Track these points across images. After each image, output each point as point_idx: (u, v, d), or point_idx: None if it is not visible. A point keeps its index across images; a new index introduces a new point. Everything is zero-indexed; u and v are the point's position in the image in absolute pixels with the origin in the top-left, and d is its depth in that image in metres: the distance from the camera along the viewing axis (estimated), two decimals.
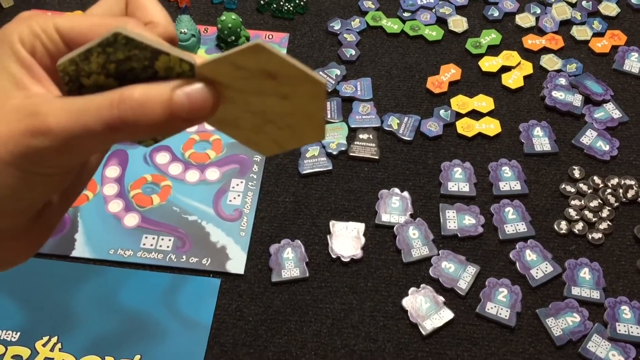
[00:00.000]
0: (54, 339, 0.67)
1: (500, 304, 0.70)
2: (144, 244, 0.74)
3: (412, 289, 0.71)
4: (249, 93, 0.28)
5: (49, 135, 0.26)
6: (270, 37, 0.92)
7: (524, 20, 0.94)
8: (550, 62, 0.89)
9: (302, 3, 0.94)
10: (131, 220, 0.75)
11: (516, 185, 0.78)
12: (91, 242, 0.74)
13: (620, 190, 0.77)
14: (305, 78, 0.27)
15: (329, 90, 0.86)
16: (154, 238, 0.74)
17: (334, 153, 0.80)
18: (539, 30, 0.93)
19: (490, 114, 0.84)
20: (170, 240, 0.74)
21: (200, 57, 0.28)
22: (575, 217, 0.76)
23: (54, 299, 0.70)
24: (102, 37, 0.27)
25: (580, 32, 0.93)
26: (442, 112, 0.84)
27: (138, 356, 0.67)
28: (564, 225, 0.75)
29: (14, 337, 0.67)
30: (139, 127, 0.26)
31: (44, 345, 0.67)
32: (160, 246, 0.74)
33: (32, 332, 0.68)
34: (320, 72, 0.88)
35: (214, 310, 0.69)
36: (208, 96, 0.27)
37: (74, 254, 0.73)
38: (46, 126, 0.26)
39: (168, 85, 0.27)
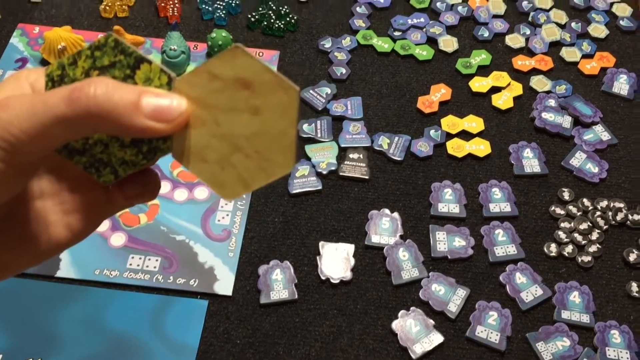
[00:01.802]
0: None
1: (490, 327, 0.69)
2: (131, 264, 0.73)
3: (401, 312, 0.70)
4: (221, 110, 0.29)
5: (8, 107, 0.27)
6: (261, 54, 0.92)
7: (514, 40, 0.94)
8: (539, 83, 0.90)
9: (292, 21, 0.94)
10: (118, 239, 0.74)
11: (506, 207, 0.78)
12: (76, 262, 0.72)
13: (610, 213, 0.78)
14: (279, 84, 0.27)
15: (319, 110, 0.86)
16: (140, 258, 0.73)
17: (324, 172, 0.80)
18: (528, 51, 0.94)
19: (480, 134, 0.85)
20: (157, 260, 0.73)
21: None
22: (565, 239, 0.76)
23: (37, 320, 0.69)
24: (96, 41, 0.28)
25: (569, 54, 0.93)
26: (432, 132, 0.84)
27: None
28: (553, 247, 0.75)
29: None
30: (104, 117, 0.27)
31: None
32: (147, 266, 0.72)
33: (15, 354, 0.66)
34: (311, 91, 0.88)
35: (201, 333, 0.68)
36: (179, 103, 0.28)
37: (59, 274, 0.72)
38: (6, 103, 0.27)
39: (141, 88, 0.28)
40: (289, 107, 0.28)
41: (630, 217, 0.77)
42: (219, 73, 0.28)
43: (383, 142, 0.83)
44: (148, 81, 0.28)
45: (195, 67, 0.28)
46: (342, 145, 0.82)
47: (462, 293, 0.71)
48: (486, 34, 0.95)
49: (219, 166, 0.30)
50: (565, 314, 0.70)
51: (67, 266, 0.72)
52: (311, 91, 0.88)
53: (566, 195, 0.79)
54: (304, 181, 0.79)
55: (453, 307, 0.70)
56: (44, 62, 0.88)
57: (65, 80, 0.29)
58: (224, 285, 0.71)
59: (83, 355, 0.67)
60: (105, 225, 0.75)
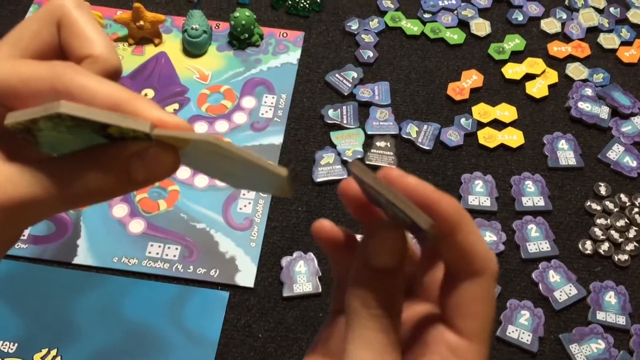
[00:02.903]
0: (54, 352, 0.64)
1: (522, 327, 0.66)
2: (150, 252, 0.70)
3: None
4: (211, 161, 0.27)
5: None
6: (285, 35, 0.88)
7: (550, 25, 0.90)
8: (576, 71, 0.86)
9: (318, 0, 0.90)
10: (136, 226, 0.72)
11: (540, 201, 0.75)
12: (94, 249, 0.70)
13: None
14: (267, 171, 0.25)
15: (345, 95, 0.82)
16: (160, 246, 0.71)
17: (350, 161, 0.77)
18: (564, 37, 0.90)
19: (513, 124, 0.81)
20: (177, 249, 0.71)
21: (157, 115, 0.25)
22: (601, 237, 0.72)
23: (54, 308, 0.67)
24: (44, 110, 0.23)
25: (607, 40, 0.89)
26: (463, 120, 0.81)
27: None
28: (589, 245, 0.72)
29: (12, 349, 0.64)
30: (96, 198, 0.26)
31: (42, 358, 0.64)
32: (167, 255, 0.70)
33: (31, 343, 0.64)
34: (337, 75, 0.84)
35: (221, 325, 0.66)
36: (166, 161, 0.25)
37: (76, 260, 0.69)
38: None
39: (123, 155, 0.25)
40: (282, 181, 0.26)
41: None
42: (200, 147, 0.25)
43: (411, 130, 0.80)
44: (123, 133, 0.25)
45: (169, 133, 0.25)
46: (369, 133, 0.79)
47: None
48: (520, 18, 0.91)
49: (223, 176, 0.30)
50: (600, 315, 0.67)
51: (84, 252, 0.70)
52: (337, 75, 0.84)
53: (603, 190, 0.76)
54: (329, 169, 0.76)
55: None
56: None
57: (34, 131, 0.25)
58: (246, 276, 0.69)
59: (100, 345, 0.65)
60: (124, 211, 0.73)
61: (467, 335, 0.26)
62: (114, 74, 0.28)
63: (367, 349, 0.25)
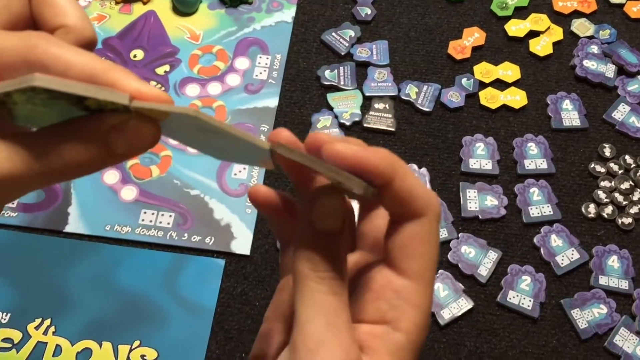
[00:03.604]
0: (47, 322, 0.63)
1: (522, 292, 0.65)
2: (143, 220, 0.69)
3: None
4: (191, 132, 0.26)
5: None
6: None
7: None
8: (581, 27, 0.83)
9: None
10: (129, 193, 0.70)
11: (542, 164, 0.73)
12: (86, 217, 0.69)
13: None
14: (249, 144, 0.25)
15: (342, 54, 0.79)
16: (153, 213, 0.69)
17: (347, 124, 0.75)
18: None
19: (515, 83, 0.78)
20: (170, 216, 0.69)
21: (136, 86, 0.24)
22: (605, 199, 0.71)
23: (46, 277, 0.65)
24: (18, 84, 0.22)
25: None
26: (464, 80, 0.78)
27: (137, 342, 0.63)
28: (592, 208, 0.70)
29: (4, 319, 0.63)
30: (76, 172, 0.25)
31: (36, 328, 0.63)
32: (160, 222, 0.68)
33: (24, 313, 0.63)
34: (333, 33, 0.81)
35: (217, 294, 0.65)
36: (146, 133, 0.25)
37: (67, 229, 0.68)
38: None
39: (103, 128, 0.25)
40: (263, 157, 0.26)
41: None
42: (180, 119, 0.24)
43: (411, 91, 0.77)
44: (101, 105, 0.24)
45: (148, 105, 0.24)
46: (367, 94, 0.77)
47: (493, 256, 0.67)
48: None
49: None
50: (602, 280, 0.66)
51: (75, 221, 0.68)
52: (333, 34, 0.81)
53: (607, 152, 0.74)
54: (326, 133, 0.74)
55: (484, 271, 0.66)
56: None
57: (9, 104, 0.24)
58: (242, 243, 0.68)
59: (94, 315, 0.64)
60: (115, 178, 0.71)
61: (410, 276, 0.26)
62: (88, 45, 0.28)
63: (319, 312, 0.25)
